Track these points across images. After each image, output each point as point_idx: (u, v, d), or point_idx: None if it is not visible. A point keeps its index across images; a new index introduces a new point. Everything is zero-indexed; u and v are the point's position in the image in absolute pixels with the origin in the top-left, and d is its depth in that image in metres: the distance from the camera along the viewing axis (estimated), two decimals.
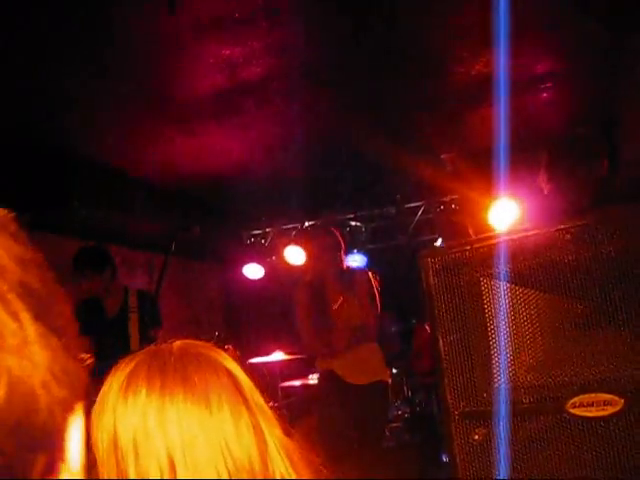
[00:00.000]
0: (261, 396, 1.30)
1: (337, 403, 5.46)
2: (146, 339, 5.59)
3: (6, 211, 0.63)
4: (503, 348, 2.06)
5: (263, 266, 9.58)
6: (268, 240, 9.62)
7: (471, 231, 7.30)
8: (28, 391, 0.55)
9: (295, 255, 9.05)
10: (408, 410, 8.20)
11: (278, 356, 7.89)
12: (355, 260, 9.18)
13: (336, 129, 6.79)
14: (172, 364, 1.25)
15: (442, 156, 7.83)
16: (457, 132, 7.30)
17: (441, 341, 2.15)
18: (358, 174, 7.89)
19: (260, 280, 9.62)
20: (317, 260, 5.65)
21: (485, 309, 2.12)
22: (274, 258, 9.60)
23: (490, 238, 2.15)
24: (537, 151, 3.94)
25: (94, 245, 5.91)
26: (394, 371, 8.42)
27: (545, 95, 6.49)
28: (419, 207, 8.93)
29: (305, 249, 6.18)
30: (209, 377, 1.24)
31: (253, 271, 9.57)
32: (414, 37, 5.20)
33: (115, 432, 1.19)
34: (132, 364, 1.27)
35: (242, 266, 9.55)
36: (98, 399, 1.24)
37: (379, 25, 5.01)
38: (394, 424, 8.05)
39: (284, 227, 9.50)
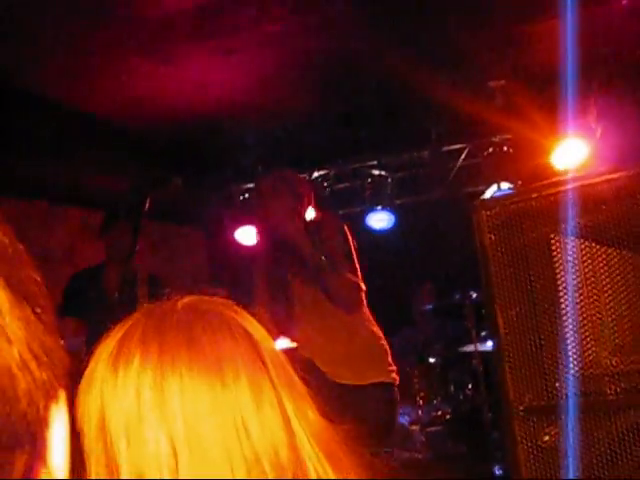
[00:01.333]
0: (290, 367, 1.28)
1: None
2: None
3: None
4: (580, 325, 2.06)
5: (258, 229, 9.57)
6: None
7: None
8: (4, 372, 0.56)
9: None
10: (450, 410, 8.24)
11: (282, 344, 7.91)
12: (380, 219, 9.19)
13: (353, 50, 6.75)
14: (174, 323, 1.23)
15: (490, 83, 7.79)
16: (509, 53, 7.25)
17: (500, 316, 2.14)
18: (381, 109, 7.87)
19: (255, 246, 9.62)
20: (270, 213, 5.36)
21: (557, 275, 2.12)
22: None
23: (560, 184, 2.13)
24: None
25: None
26: (431, 360, 8.45)
27: (625, 2, 6.44)
28: (461, 150, 8.90)
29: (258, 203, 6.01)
30: (222, 339, 1.21)
31: (247, 235, 9.54)
32: None
33: (103, 413, 1.17)
34: (125, 327, 1.25)
35: (233, 229, 9.54)
36: (85, 373, 1.23)
37: None
38: (431, 428, 8.10)
39: None
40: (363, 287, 5.09)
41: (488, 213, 2.21)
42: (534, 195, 2.17)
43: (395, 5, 6.09)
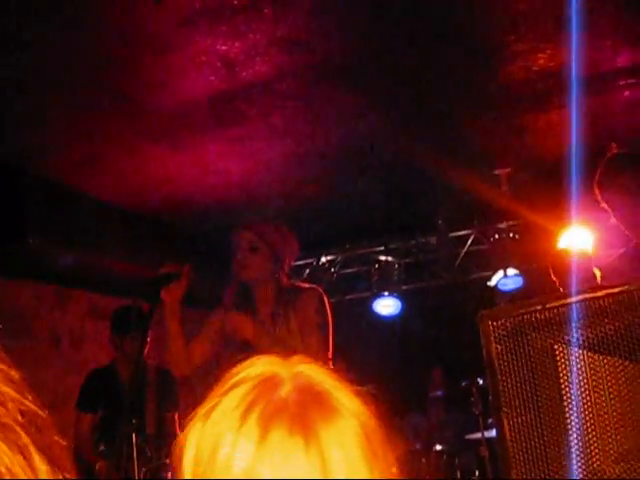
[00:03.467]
0: (391, 456, 1.34)
1: None
2: (163, 423, 6.18)
3: None
4: (583, 433, 2.10)
5: None
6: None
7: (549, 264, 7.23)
8: None
9: None
10: None
11: None
12: (387, 305, 9.22)
13: (362, 140, 6.85)
14: (290, 411, 1.30)
15: (496, 171, 7.87)
16: (515, 142, 7.35)
17: (506, 423, 2.19)
18: (389, 195, 7.94)
19: None
20: (244, 274, 4.93)
21: (560, 384, 2.16)
22: None
23: (563, 297, 2.19)
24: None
25: (134, 305, 6.48)
26: (438, 448, 8.41)
27: (627, 94, 6.54)
28: (468, 236, 8.96)
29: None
30: (292, 448, 1.26)
31: None
32: (459, 29, 5.28)
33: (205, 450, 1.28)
34: (245, 398, 1.33)
35: None
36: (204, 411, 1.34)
37: (417, 15, 5.10)
38: None
39: (296, 264, 9.54)
40: (328, 360, 4.71)
41: (494, 324, 2.26)
42: (538, 307, 2.22)
43: (403, 93, 6.19)
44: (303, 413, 1.30)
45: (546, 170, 7.24)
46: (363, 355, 8.61)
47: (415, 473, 7.78)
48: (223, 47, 5.10)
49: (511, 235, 8.73)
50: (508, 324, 2.26)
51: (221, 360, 5.10)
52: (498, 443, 2.24)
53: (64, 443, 0.70)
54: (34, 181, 6.79)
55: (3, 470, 0.58)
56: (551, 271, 5.20)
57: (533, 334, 2.21)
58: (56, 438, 0.68)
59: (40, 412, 0.66)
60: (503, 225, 8.73)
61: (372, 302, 9.34)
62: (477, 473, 8.25)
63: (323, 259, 9.38)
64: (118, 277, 8.02)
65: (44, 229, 6.91)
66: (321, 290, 5.26)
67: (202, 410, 1.35)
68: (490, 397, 2.35)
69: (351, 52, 5.48)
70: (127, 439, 4.84)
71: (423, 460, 8.13)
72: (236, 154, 6.88)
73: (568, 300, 2.19)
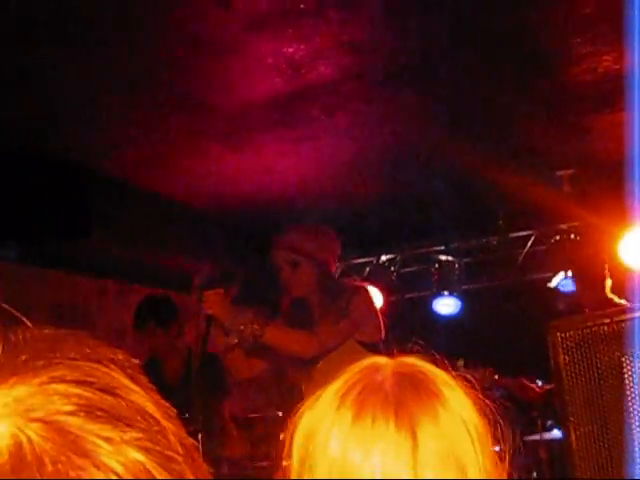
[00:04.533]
0: (491, 448, 1.38)
1: None
2: (209, 412, 5.69)
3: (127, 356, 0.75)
4: None
5: None
6: (337, 277, 9.72)
7: (606, 267, 7.20)
8: None
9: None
10: None
11: None
12: (447, 304, 9.23)
13: (424, 142, 6.87)
14: (385, 392, 1.36)
15: (558, 173, 7.85)
16: (578, 143, 7.32)
17: (573, 433, 2.22)
18: (450, 197, 7.95)
19: None
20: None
21: (628, 395, 2.19)
22: None
23: (630, 311, 2.21)
24: None
25: (160, 294, 6.43)
26: (496, 448, 8.39)
27: None
28: (529, 237, 8.93)
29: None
30: (383, 427, 1.32)
31: None
32: (523, 30, 5.29)
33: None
34: (346, 382, 1.41)
35: None
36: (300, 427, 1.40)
37: (478, 17, 5.12)
38: None
39: (356, 262, 9.59)
40: (321, 333, 4.67)
41: (562, 335, 2.30)
42: (606, 320, 2.26)
43: (466, 94, 6.20)
44: (399, 396, 1.34)
45: (609, 172, 7.19)
46: (422, 354, 8.63)
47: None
48: (289, 50, 5.16)
49: (572, 236, 8.68)
50: (576, 336, 2.29)
51: (286, 373, 5.10)
52: (564, 452, 2.28)
53: (212, 471, 0.75)
54: (99, 179, 6.91)
55: None
56: (608, 285, 5.15)
57: (600, 346, 2.25)
58: (205, 468, 0.73)
59: (194, 446, 0.72)
60: (564, 226, 8.69)
61: (432, 301, 9.35)
62: (535, 474, 8.23)
63: (383, 257, 9.41)
64: (178, 273, 8.12)
65: (108, 226, 7.03)
66: (364, 286, 5.18)
67: (313, 397, 1.42)
68: (557, 407, 2.38)
69: (414, 53, 5.51)
70: None
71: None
72: (299, 154, 6.94)
73: (636, 314, 2.22)
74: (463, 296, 9.32)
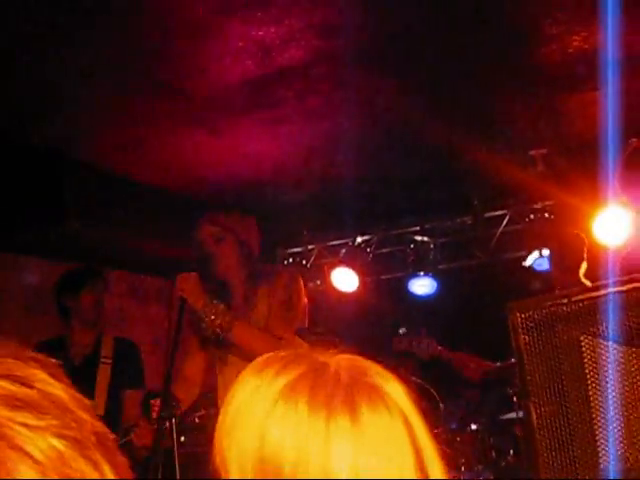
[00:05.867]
0: (435, 447, 1.39)
1: None
2: (116, 401, 5.61)
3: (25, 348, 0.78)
4: (609, 422, 2.15)
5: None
6: (311, 260, 9.74)
7: (585, 251, 7.18)
8: None
9: (345, 278, 9.16)
10: (492, 477, 8.22)
11: None
12: (423, 285, 9.26)
13: (396, 122, 6.89)
14: (340, 393, 1.34)
15: (531, 152, 7.88)
16: (550, 122, 7.35)
17: (534, 412, 2.25)
18: (424, 176, 7.98)
19: None
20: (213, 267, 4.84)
21: (587, 374, 2.22)
22: (318, 282, 9.71)
23: (590, 290, 2.24)
24: None
25: (82, 266, 6.09)
26: (473, 427, 8.45)
27: None
28: (503, 216, 8.96)
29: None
30: (380, 415, 1.33)
31: None
32: (494, 11, 5.31)
33: (263, 444, 1.31)
34: (289, 376, 1.37)
35: None
36: (230, 402, 1.39)
37: None
38: None
39: (331, 244, 9.60)
40: (282, 337, 4.66)
41: (522, 315, 2.33)
42: (565, 300, 2.28)
43: (438, 75, 6.22)
44: (373, 386, 1.36)
45: (581, 150, 7.25)
46: (397, 334, 8.67)
47: (450, 454, 7.83)
48: (259, 33, 5.17)
49: (547, 215, 8.71)
50: (536, 316, 2.32)
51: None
52: (525, 431, 2.31)
53: (127, 461, 0.77)
54: (73, 165, 6.90)
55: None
56: (583, 268, 5.14)
57: (560, 326, 2.27)
58: (121, 457, 0.75)
59: (109, 434, 0.74)
60: (538, 205, 8.72)
61: (408, 282, 9.38)
62: (512, 452, 8.29)
63: (359, 239, 9.42)
64: (156, 258, 8.14)
65: (83, 212, 7.02)
66: (293, 270, 5.18)
67: (257, 404, 1.37)
68: (519, 387, 2.41)
69: (386, 35, 5.53)
70: None
71: (458, 439, 8.18)
72: (272, 137, 6.95)
73: (594, 293, 2.25)
74: (439, 276, 9.34)
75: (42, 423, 0.66)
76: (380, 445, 1.31)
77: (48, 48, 5.21)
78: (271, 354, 1.47)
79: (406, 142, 7.29)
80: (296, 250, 9.77)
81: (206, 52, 5.43)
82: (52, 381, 0.72)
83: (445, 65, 6.04)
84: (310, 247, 9.70)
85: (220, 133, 6.66)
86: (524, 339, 2.31)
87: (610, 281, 2.30)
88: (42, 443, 0.65)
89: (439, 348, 7.78)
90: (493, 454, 8.39)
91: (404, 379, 1.47)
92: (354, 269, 9.11)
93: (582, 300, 2.26)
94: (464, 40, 5.69)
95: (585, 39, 5.70)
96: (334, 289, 9.20)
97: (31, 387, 0.69)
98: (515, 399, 7.90)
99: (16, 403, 0.66)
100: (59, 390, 0.71)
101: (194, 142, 6.82)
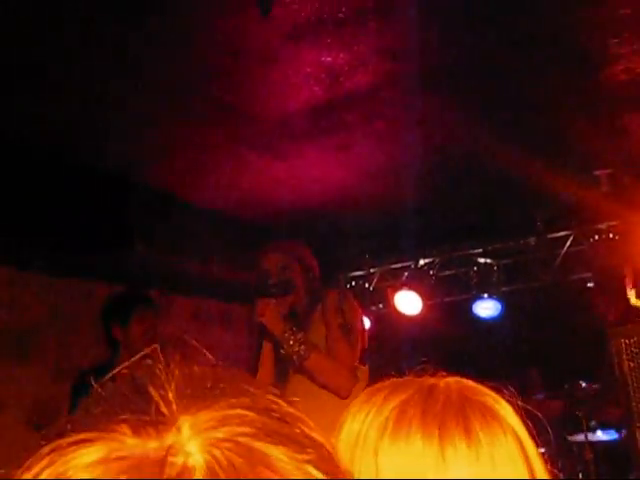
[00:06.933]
0: (544, 466, 1.37)
1: None
2: None
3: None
4: None
5: (367, 316, 9.66)
6: (373, 283, 9.73)
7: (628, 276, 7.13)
8: None
9: (408, 301, 9.13)
10: None
11: None
12: (487, 307, 9.20)
13: (461, 145, 6.88)
14: (453, 412, 1.31)
15: (596, 172, 7.82)
16: (615, 142, 7.30)
17: (639, 438, 2.21)
18: (487, 198, 7.95)
19: None
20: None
21: None
22: (381, 306, 9.71)
23: None
24: None
25: (130, 290, 6.00)
26: (541, 450, 8.34)
27: None
28: (567, 237, 8.89)
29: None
30: (496, 436, 1.28)
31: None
32: (562, 31, 5.29)
33: (377, 475, 1.28)
34: (396, 400, 1.35)
35: None
36: (345, 432, 1.37)
37: (517, 19, 5.12)
38: None
39: (393, 267, 9.59)
40: (354, 367, 4.64)
41: (627, 341, 2.30)
42: None
43: (504, 97, 6.20)
44: (484, 403, 1.33)
45: None
46: (463, 357, 8.64)
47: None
48: (328, 58, 5.19)
49: (611, 236, 8.63)
50: None
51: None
52: (632, 456, 2.28)
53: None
54: (141, 190, 6.96)
55: None
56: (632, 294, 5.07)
57: None
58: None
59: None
60: (603, 226, 8.64)
61: (472, 304, 9.32)
62: (580, 476, 8.19)
63: (421, 262, 9.40)
64: (221, 282, 8.18)
65: (150, 237, 7.07)
66: (341, 290, 5.14)
67: (369, 430, 1.35)
68: (624, 413, 2.38)
69: (451, 59, 5.53)
70: None
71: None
72: (336, 161, 6.97)
73: None
74: (503, 298, 9.28)
75: (306, 457, 0.68)
76: (498, 466, 1.26)
77: (120, 77, 5.27)
78: (383, 383, 1.46)
79: (468, 164, 7.27)
80: (358, 274, 9.77)
81: (274, 77, 5.47)
82: (300, 415, 0.74)
83: (510, 87, 6.03)
84: (372, 270, 9.69)
85: (285, 157, 6.70)
86: (629, 365, 2.28)
87: None
88: (307, 475, 0.67)
89: None
90: (562, 477, 8.29)
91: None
92: (417, 292, 9.08)
93: None
94: (529, 61, 5.68)
95: None
96: (397, 312, 9.17)
97: (287, 423, 0.71)
98: (584, 422, 7.84)
99: (276, 438, 0.69)
100: (307, 426, 0.73)
101: (259, 167, 6.86)
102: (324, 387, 4.62)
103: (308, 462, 0.68)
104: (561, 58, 5.69)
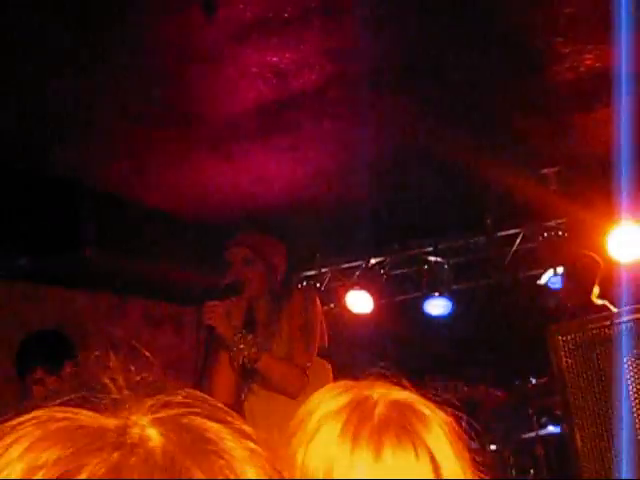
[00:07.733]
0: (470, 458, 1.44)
1: None
2: None
3: None
4: None
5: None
6: (324, 283, 9.72)
7: (598, 259, 7.15)
8: None
9: (360, 301, 9.14)
10: None
11: None
12: (437, 305, 9.23)
13: (410, 145, 6.89)
14: (367, 430, 1.41)
15: (544, 171, 7.87)
16: (563, 140, 7.35)
17: (578, 434, 2.23)
18: (437, 197, 7.97)
19: None
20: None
21: (631, 396, 2.20)
22: (333, 305, 9.69)
23: (634, 312, 2.23)
24: None
25: (46, 330, 5.49)
26: (492, 447, 8.40)
27: None
28: (516, 235, 8.94)
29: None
30: (406, 461, 1.38)
31: None
32: (508, 30, 5.31)
33: (303, 460, 1.43)
34: (335, 404, 1.47)
35: None
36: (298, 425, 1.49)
37: (460, 16, 5.15)
38: None
39: (345, 266, 9.59)
40: (306, 367, 4.58)
41: (564, 338, 2.31)
42: (607, 322, 2.27)
43: (451, 96, 6.22)
44: (405, 426, 1.39)
45: (594, 168, 7.23)
46: (415, 356, 8.66)
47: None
48: (274, 58, 5.18)
49: (560, 233, 8.68)
50: (577, 338, 2.30)
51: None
52: (570, 454, 2.29)
53: None
54: (88, 193, 6.90)
55: None
56: (595, 292, 5.11)
57: (602, 348, 2.26)
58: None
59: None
60: (552, 223, 8.69)
61: (423, 303, 9.35)
62: (532, 472, 8.24)
63: (372, 261, 9.40)
64: (171, 284, 8.13)
65: (101, 239, 7.01)
66: (308, 290, 5.10)
67: (302, 433, 1.46)
68: (561, 410, 2.39)
69: (398, 58, 5.54)
70: None
71: (478, 459, 8.11)
72: (286, 161, 6.95)
73: (636, 315, 2.23)
74: (453, 296, 9.31)
75: (242, 433, 0.76)
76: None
77: (64, 79, 5.22)
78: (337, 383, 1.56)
79: (418, 163, 7.29)
80: (309, 273, 9.75)
81: (221, 77, 5.45)
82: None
83: (458, 85, 6.04)
84: (324, 270, 9.67)
85: (234, 158, 6.66)
86: (566, 362, 2.29)
87: None
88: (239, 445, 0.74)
89: (465, 389, 7.97)
90: (514, 474, 8.35)
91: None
92: (369, 291, 9.09)
93: (625, 322, 2.25)
94: (477, 60, 5.70)
95: (597, 57, 5.71)
96: (349, 312, 9.17)
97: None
98: (535, 418, 7.89)
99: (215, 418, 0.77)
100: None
101: (208, 167, 6.82)
102: (276, 388, 4.62)
103: (247, 437, 0.75)
104: (507, 56, 5.72)
